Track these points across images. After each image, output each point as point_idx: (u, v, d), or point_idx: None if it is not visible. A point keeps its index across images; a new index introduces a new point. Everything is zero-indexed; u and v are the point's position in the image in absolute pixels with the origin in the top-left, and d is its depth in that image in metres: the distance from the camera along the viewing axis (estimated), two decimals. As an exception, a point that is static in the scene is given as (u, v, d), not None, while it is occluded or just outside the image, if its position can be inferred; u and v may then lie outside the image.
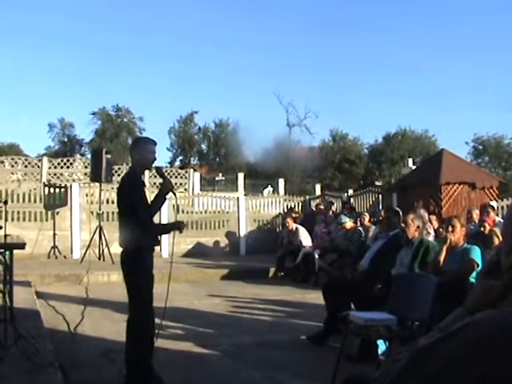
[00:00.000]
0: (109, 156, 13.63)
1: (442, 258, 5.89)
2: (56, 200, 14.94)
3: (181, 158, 50.83)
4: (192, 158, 50.82)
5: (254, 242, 16.62)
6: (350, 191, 19.40)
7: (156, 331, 4.95)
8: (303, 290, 10.55)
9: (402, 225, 6.48)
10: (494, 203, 11.68)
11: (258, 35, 67.24)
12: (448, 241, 5.93)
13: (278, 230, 16.97)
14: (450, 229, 5.94)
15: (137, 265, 4.71)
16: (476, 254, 5.76)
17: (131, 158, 5.11)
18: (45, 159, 23.94)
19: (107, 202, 15.20)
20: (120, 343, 5.74)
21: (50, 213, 14.63)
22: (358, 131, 49.03)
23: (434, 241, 7.57)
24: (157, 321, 4.93)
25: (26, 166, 23.47)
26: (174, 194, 5.11)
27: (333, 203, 15.74)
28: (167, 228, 5.93)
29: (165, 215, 14.56)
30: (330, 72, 67.21)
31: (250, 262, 13.95)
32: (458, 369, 0.81)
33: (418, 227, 6.40)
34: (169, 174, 24.92)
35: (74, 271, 11.22)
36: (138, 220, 4.68)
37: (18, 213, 14.38)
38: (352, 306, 6.42)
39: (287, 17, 67.30)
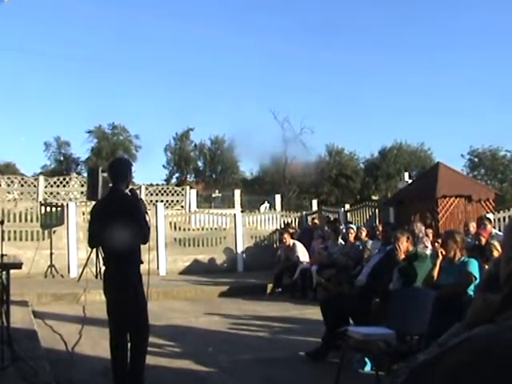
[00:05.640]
0: (105, 174, 13.59)
1: (435, 273, 5.89)
2: (53, 219, 14.91)
3: (177, 175, 50.81)
4: (188, 175, 50.82)
5: (251, 258, 16.56)
6: (347, 206, 19.43)
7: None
8: (301, 305, 10.51)
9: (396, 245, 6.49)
10: (490, 216, 11.69)
11: (252, 50, 67.53)
12: (440, 256, 5.96)
13: (275, 246, 16.91)
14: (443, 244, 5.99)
15: (136, 282, 4.79)
16: (474, 267, 5.76)
17: (120, 177, 5.12)
18: (41, 178, 23.92)
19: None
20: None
21: (46, 232, 14.58)
22: (354, 146, 49.13)
23: (432, 254, 7.60)
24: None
25: (22, 185, 23.44)
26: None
27: (329, 218, 15.90)
28: None
29: (162, 233, 14.89)
30: (324, 87, 67.40)
31: (248, 279, 13.89)
32: None
33: (408, 238, 6.42)
34: (165, 191, 24.99)
35: (71, 290, 11.16)
36: (143, 239, 4.95)
37: (15, 232, 14.33)
38: (350, 321, 6.42)
39: (279, 31, 67.56)
